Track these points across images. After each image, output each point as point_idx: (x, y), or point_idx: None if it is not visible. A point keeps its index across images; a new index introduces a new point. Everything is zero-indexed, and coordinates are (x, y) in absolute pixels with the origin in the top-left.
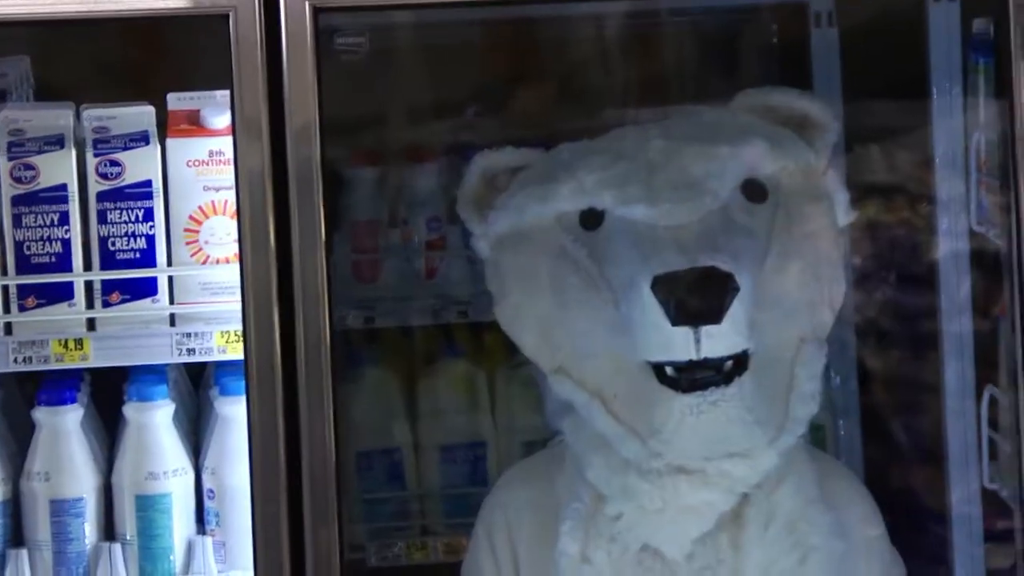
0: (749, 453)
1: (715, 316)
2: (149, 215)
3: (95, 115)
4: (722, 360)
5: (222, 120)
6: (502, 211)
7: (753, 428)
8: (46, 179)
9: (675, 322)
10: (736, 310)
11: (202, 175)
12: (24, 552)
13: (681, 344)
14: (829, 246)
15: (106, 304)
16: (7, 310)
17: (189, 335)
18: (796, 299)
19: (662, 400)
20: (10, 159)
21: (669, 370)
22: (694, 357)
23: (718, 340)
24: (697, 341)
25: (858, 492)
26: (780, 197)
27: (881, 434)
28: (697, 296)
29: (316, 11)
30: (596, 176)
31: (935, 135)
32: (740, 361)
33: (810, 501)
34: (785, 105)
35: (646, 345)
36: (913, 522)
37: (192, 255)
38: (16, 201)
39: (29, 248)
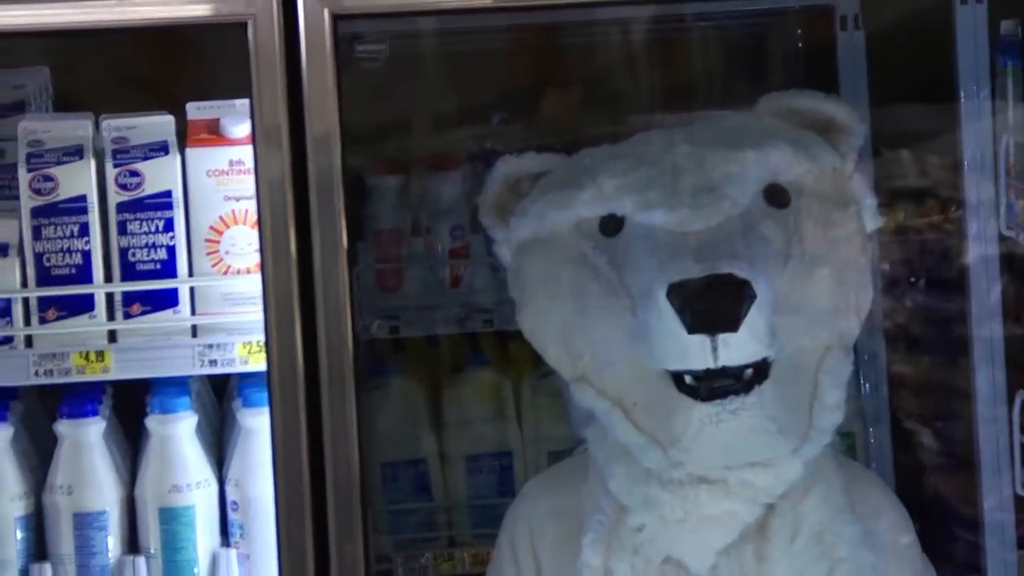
0: (771, 463)
1: (731, 324)
2: (169, 225)
3: (114, 125)
4: (741, 368)
5: (242, 129)
6: (523, 217)
7: (775, 437)
8: (65, 190)
9: (691, 330)
10: (754, 318)
11: (222, 185)
12: (48, 566)
13: (697, 352)
14: (855, 252)
15: (127, 316)
16: (28, 323)
17: (211, 346)
18: (819, 306)
19: (681, 409)
20: (29, 170)
21: (688, 378)
22: (711, 366)
23: (735, 348)
24: (714, 349)
25: (888, 500)
26: (803, 202)
27: (912, 441)
28: (713, 304)
29: (335, 18)
30: (616, 181)
31: (963, 138)
32: (760, 369)
33: (837, 511)
34: (810, 108)
35: (663, 353)
36: (945, 529)
37: (213, 265)
38: (36, 213)
39: (49, 260)
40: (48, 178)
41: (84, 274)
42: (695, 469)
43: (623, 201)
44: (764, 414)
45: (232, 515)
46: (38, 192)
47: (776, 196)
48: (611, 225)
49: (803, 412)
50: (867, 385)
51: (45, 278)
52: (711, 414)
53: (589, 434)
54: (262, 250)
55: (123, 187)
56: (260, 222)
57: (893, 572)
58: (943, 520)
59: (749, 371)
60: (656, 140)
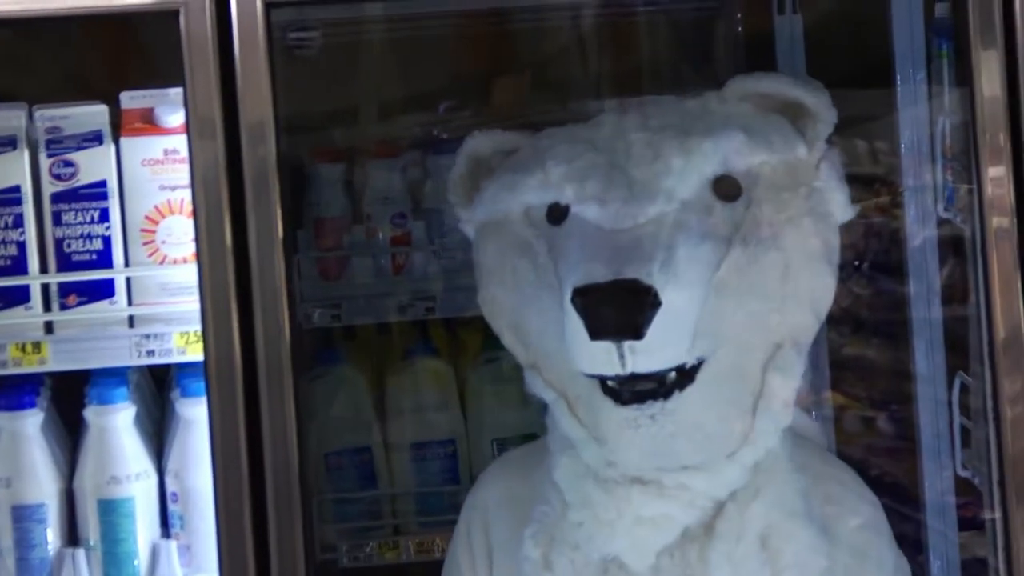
0: (705, 467)
1: (633, 331)
2: (105, 216)
3: (48, 115)
4: (662, 373)
5: (176, 118)
6: (481, 198)
7: (703, 443)
8: None
9: (592, 336)
10: (664, 324)
11: (157, 174)
12: None
13: (603, 359)
14: (812, 245)
15: (63, 307)
16: None
17: (148, 336)
18: (765, 303)
19: (604, 410)
20: None
21: (610, 381)
22: (620, 372)
23: (644, 355)
24: (621, 356)
25: (857, 498)
26: (756, 194)
27: (853, 423)
28: (615, 310)
29: (268, 6)
30: (562, 169)
31: (901, 122)
32: (686, 373)
33: (789, 515)
34: (777, 92)
35: (575, 356)
36: (888, 511)
37: (149, 255)
38: None
39: None
40: None
41: (19, 265)
42: (628, 469)
43: (565, 189)
44: (688, 420)
45: (172, 506)
46: None
47: (725, 188)
48: (556, 213)
49: (743, 413)
50: (809, 368)
51: None
52: (630, 418)
53: (547, 421)
54: (198, 240)
55: (57, 177)
56: (195, 213)
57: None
58: (887, 501)
59: (672, 375)
60: (610, 123)
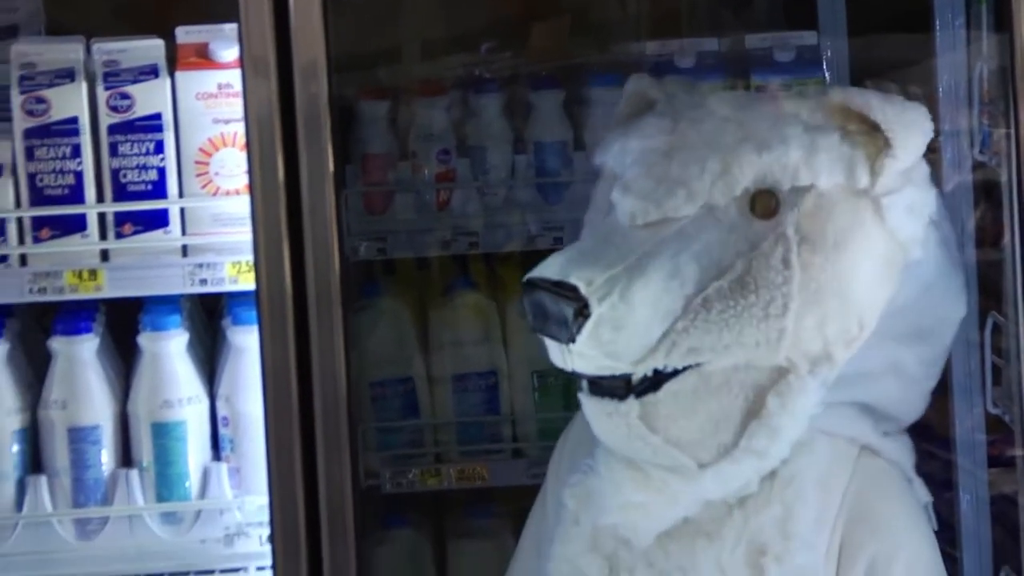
0: (680, 471)
1: (563, 336)
2: (160, 148)
3: (105, 49)
4: (610, 377)
5: (230, 53)
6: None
7: (667, 449)
8: (58, 112)
9: (532, 328)
10: (599, 336)
11: (211, 108)
12: (43, 479)
13: (553, 351)
14: (845, 275)
15: (119, 236)
16: (21, 241)
17: (201, 266)
18: (761, 329)
19: (582, 394)
20: (22, 92)
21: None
22: (565, 368)
23: (580, 359)
24: (563, 353)
25: (894, 541)
26: (792, 217)
27: None
28: (549, 311)
29: None
30: (635, 144)
31: (939, 67)
32: (649, 380)
33: (787, 536)
34: (860, 110)
35: None
36: (916, 450)
37: (203, 187)
38: (28, 134)
39: (42, 180)
40: (40, 100)
41: (76, 194)
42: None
43: (627, 167)
44: (645, 425)
45: (222, 430)
46: (31, 114)
47: (761, 204)
48: None
49: (726, 428)
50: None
51: (38, 198)
52: (592, 410)
53: None
54: (251, 175)
55: (114, 109)
56: (248, 149)
57: None
58: (916, 439)
59: (637, 376)
60: (705, 102)
